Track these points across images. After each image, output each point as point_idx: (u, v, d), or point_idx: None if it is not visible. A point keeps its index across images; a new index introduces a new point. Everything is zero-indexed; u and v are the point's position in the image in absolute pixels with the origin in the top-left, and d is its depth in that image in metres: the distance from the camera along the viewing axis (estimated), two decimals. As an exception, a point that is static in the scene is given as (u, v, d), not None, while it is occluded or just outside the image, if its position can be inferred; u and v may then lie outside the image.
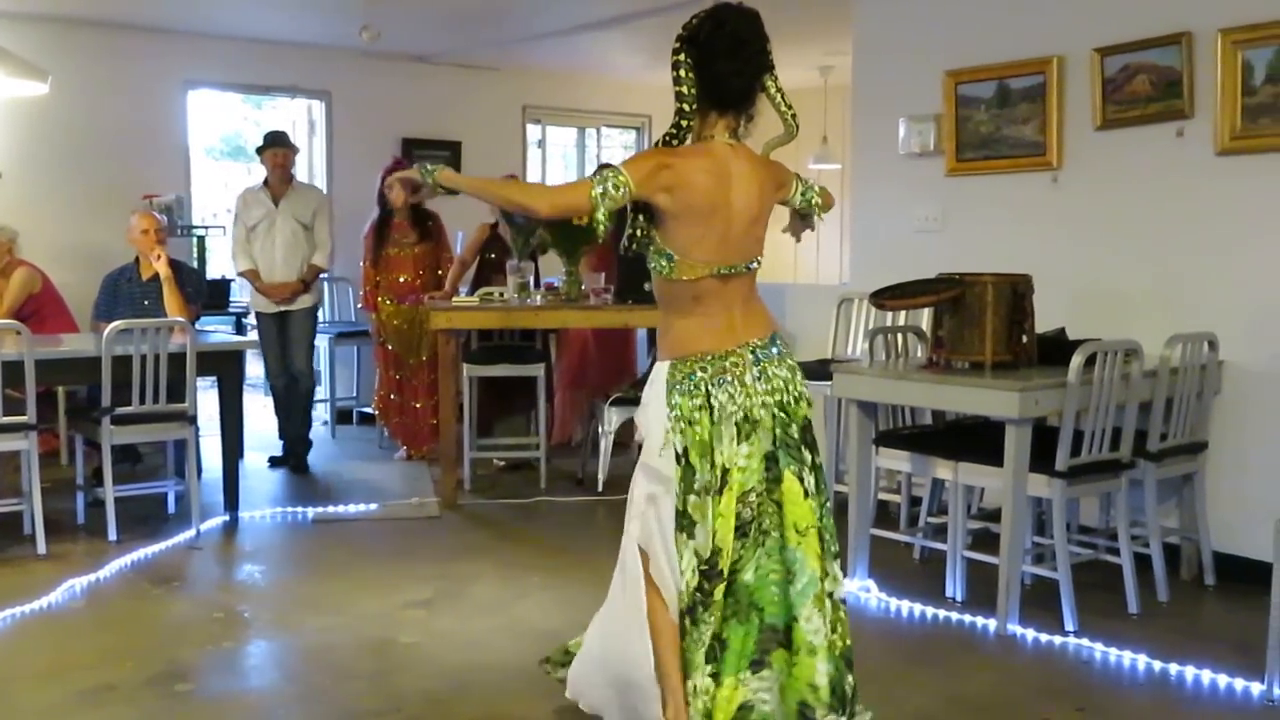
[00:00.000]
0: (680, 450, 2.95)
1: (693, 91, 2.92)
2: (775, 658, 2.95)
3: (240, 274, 7.11)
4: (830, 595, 2.99)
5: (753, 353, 3.01)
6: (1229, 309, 4.73)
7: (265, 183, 6.96)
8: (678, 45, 2.92)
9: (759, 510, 2.96)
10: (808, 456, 3.05)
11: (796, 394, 3.05)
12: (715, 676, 2.90)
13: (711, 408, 2.94)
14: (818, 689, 2.92)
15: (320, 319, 8.45)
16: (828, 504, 3.08)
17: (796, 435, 3.03)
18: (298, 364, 6.94)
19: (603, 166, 2.97)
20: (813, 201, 3.21)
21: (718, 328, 2.99)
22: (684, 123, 2.94)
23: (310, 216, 6.95)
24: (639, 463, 3.09)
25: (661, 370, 3.01)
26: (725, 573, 2.91)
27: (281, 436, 7.08)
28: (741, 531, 2.94)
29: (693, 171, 2.92)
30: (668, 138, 2.95)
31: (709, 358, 2.97)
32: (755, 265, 3.07)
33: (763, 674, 2.93)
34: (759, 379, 2.99)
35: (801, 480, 3.00)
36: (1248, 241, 4.70)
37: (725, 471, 2.93)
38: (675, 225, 2.93)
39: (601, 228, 2.88)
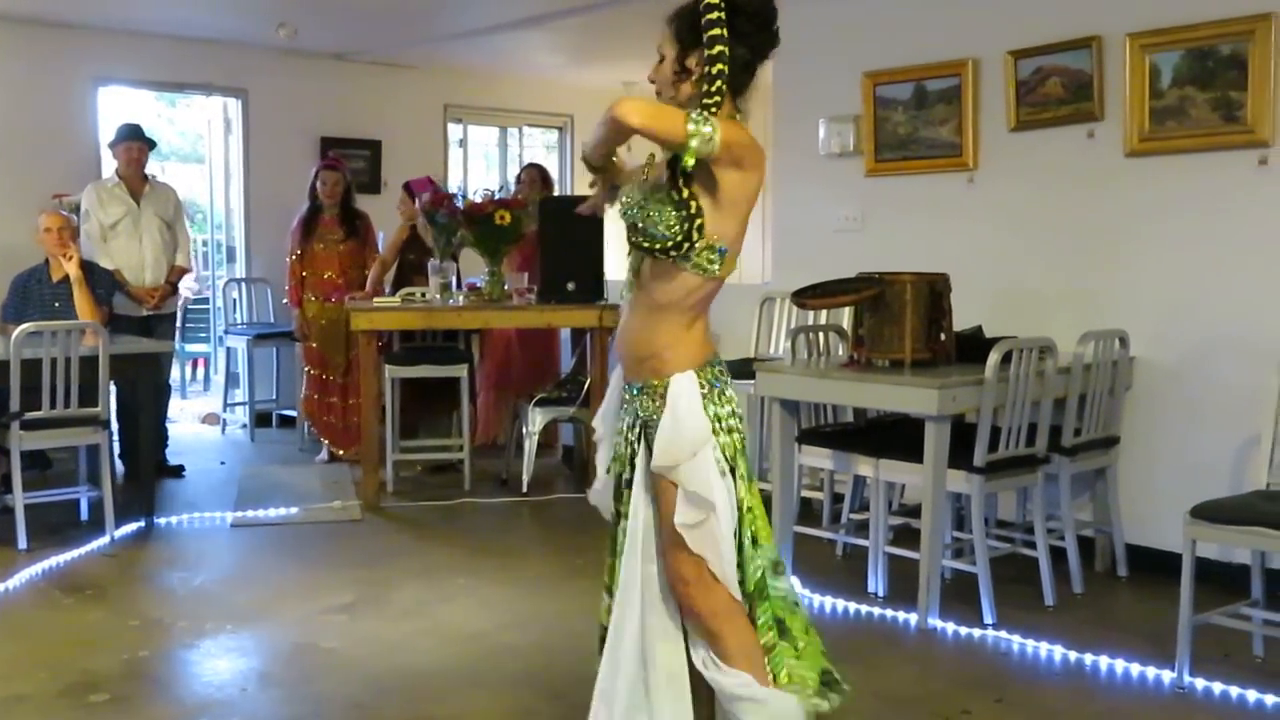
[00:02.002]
0: (729, 462, 2.61)
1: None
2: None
3: None
4: None
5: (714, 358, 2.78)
6: (1139, 306, 4.84)
7: (118, 178, 6.69)
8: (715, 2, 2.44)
9: None
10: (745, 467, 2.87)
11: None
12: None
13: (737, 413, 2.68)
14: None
15: (238, 320, 8.37)
16: None
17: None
18: (164, 371, 6.73)
19: (700, 108, 2.41)
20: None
21: (709, 329, 2.74)
22: (725, 87, 2.46)
23: (172, 214, 6.80)
24: (653, 515, 2.64)
25: (687, 384, 2.58)
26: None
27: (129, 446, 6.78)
28: None
29: (762, 153, 2.57)
30: (712, 105, 2.43)
31: (716, 361, 2.69)
32: None
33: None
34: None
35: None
36: (1156, 241, 4.81)
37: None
38: (732, 212, 2.52)
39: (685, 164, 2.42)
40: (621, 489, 2.69)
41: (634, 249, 2.54)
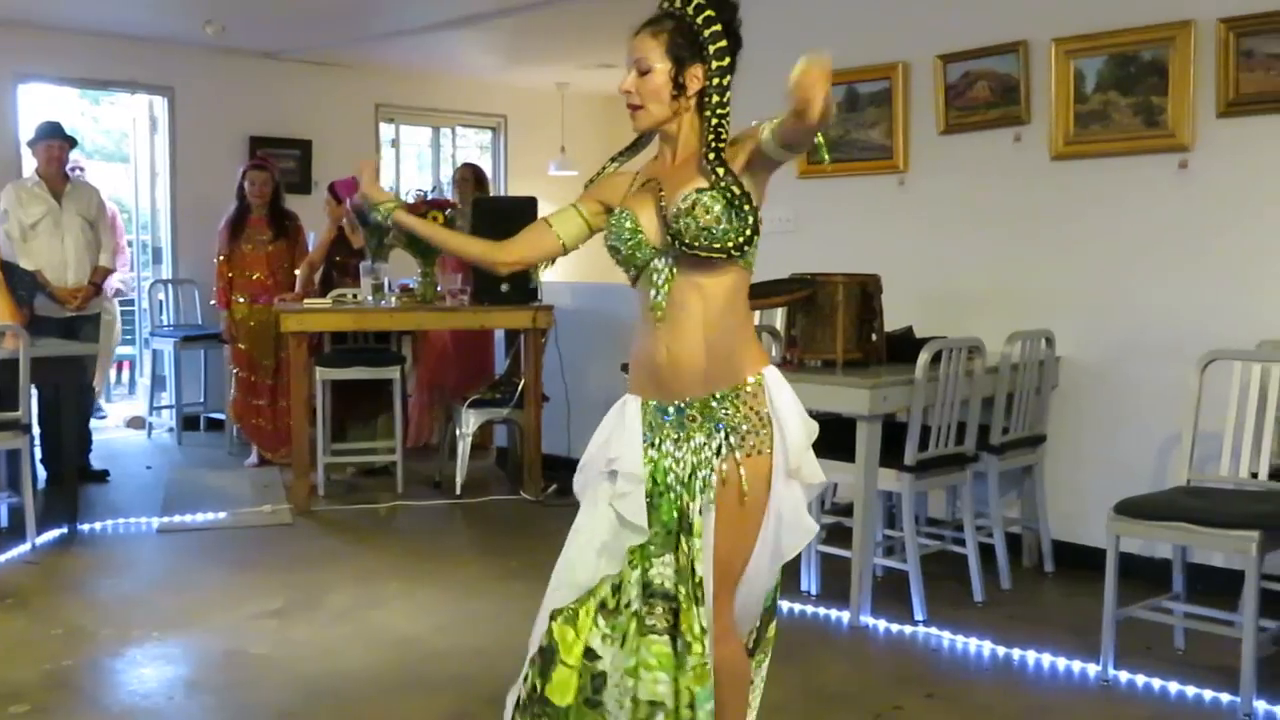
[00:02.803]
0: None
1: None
2: None
3: None
4: None
5: None
6: (1064, 306, 4.93)
7: (39, 177, 6.54)
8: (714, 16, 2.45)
9: None
10: None
11: None
12: None
13: None
14: None
15: (165, 322, 8.24)
16: None
17: None
18: (87, 374, 6.61)
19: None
20: None
21: None
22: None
23: (95, 214, 6.68)
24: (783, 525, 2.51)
25: (779, 375, 2.54)
26: None
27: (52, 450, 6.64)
28: None
29: None
30: (727, 119, 2.44)
31: None
32: None
33: None
34: None
35: None
36: (1081, 241, 4.90)
37: None
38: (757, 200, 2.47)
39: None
40: (683, 517, 2.45)
41: (693, 255, 2.37)
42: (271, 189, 7.13)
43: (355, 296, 6.33)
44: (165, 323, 8.29)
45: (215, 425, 8.25)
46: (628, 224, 2.45)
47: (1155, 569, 4.25)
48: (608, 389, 6.16)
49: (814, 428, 2.57)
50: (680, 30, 2.41)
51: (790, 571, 4.72)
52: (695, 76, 2.42)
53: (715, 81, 2.42)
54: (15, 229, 6.42)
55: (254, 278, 7.05)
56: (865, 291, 4.50)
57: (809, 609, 4.45)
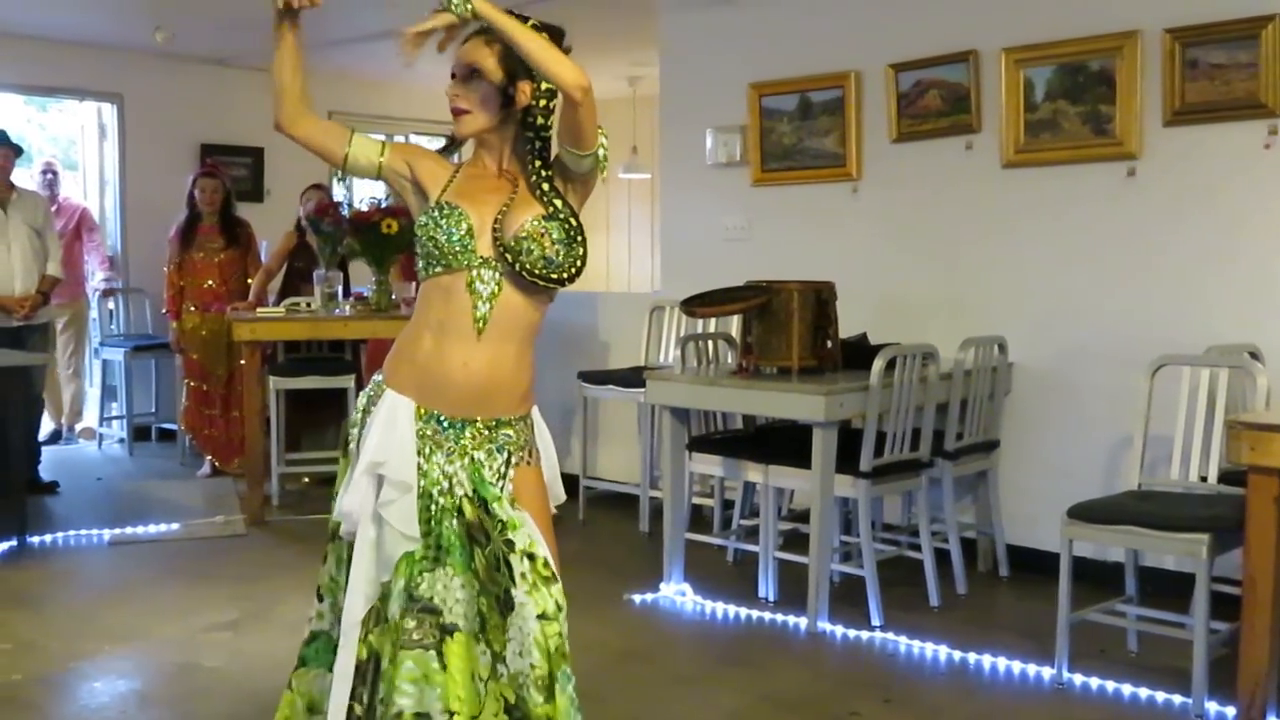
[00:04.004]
0: None
1: None
2: None
3: None
4: None
5: None
6: (1017, 313, 4.97)
7: None
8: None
9: None
10: None
11: None
12: None
13: None
14: None
15: (115, 330, 8.12)
16: None
17: None
18: (36, 385, 6.50)
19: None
20: None
21: None
22: None
23: (41, 223, 6.59)
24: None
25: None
26: None
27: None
28: None
29: None
30: (546, 139, 2.51)
31: None
32: None
33: None
34: None
35: None
36: (1032, 248, 4.94)
37: None
38: None
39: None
40: (450, 519, 2.43)
41: (528, 279, 2.36)
42: (222, 197, 7.05)
43: (309, 305, 6.27)
44: (115, 332, 8.17)
45: (167, 436, 8.15)
46: (464, 226, 2.39)
47: (1108, 572, 4.28)
48: (561, 394, 6.15)
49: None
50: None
51: (748, 578, 4.75)
52: (524, 92, 2.41)
53: (542, 103, 2.43)
54: None
55: (205, 286, 6.97)
56: (820, 299, 4.51)
57: (766, 615, 4.45)
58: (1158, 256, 4.61)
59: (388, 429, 2.42)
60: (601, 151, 2.39)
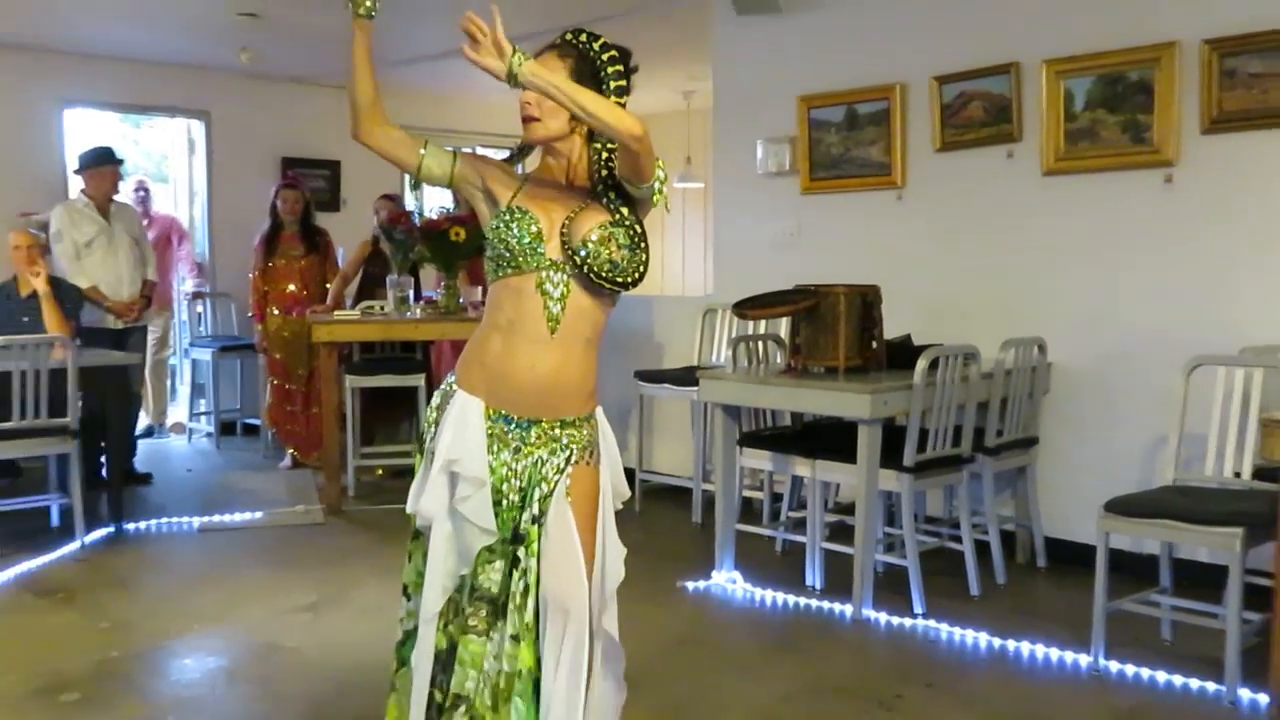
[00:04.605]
0: None
1: None
2: None
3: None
4: None
5: None
6: (1056, 314, 4.92)
7: (85, 198, 6.57)
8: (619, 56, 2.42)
9: None
10: None
11: None
12: None
13: None
14: None
15: (203, 332, 8.28)
16: None
17: None
18: (133, 383, 6.65)
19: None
20: None
21: None
22: None
23: (138, 232, 6.78)
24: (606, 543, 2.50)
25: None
26: None
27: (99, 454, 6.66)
28: None
29: None
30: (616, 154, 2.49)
31: None
32: None
33: None
34: None
35: None
36: (1071, 253, 4.90)
37: None
38: None
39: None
40: (519, 518, 2.44)
41: (594, 281, 2.35)
42: (303, 207, 7.16)
43: (382, 308, 6.35)
44: (204, 333, 8.33)
45: (251, 430, 8.28)
46: (533, 229, 2.37)
47: (1143, 564, 4.24)
48: (619, 393, 6.18)
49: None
50: (584, 61, 2.38)
51: (796, 567, 4.75)
52: None
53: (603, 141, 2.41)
54: (70, 248, 6.47)
55: (287, 291, 7.09)
56: (865, 301, 4.50)
57: (813, 603, 4.45)
58: (1193, 261, 4.55)
59: (459, 428, 2.43)
60: (658, 184, 2.37)
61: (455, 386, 2.49)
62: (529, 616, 2.39)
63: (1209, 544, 3.63)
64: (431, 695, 2.45)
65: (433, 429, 2.50)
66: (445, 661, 2.44)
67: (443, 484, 2.43)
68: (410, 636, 2.55)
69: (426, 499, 2.44)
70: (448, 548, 2.44)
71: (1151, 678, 3.64)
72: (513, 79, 2.15)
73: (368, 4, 2.37)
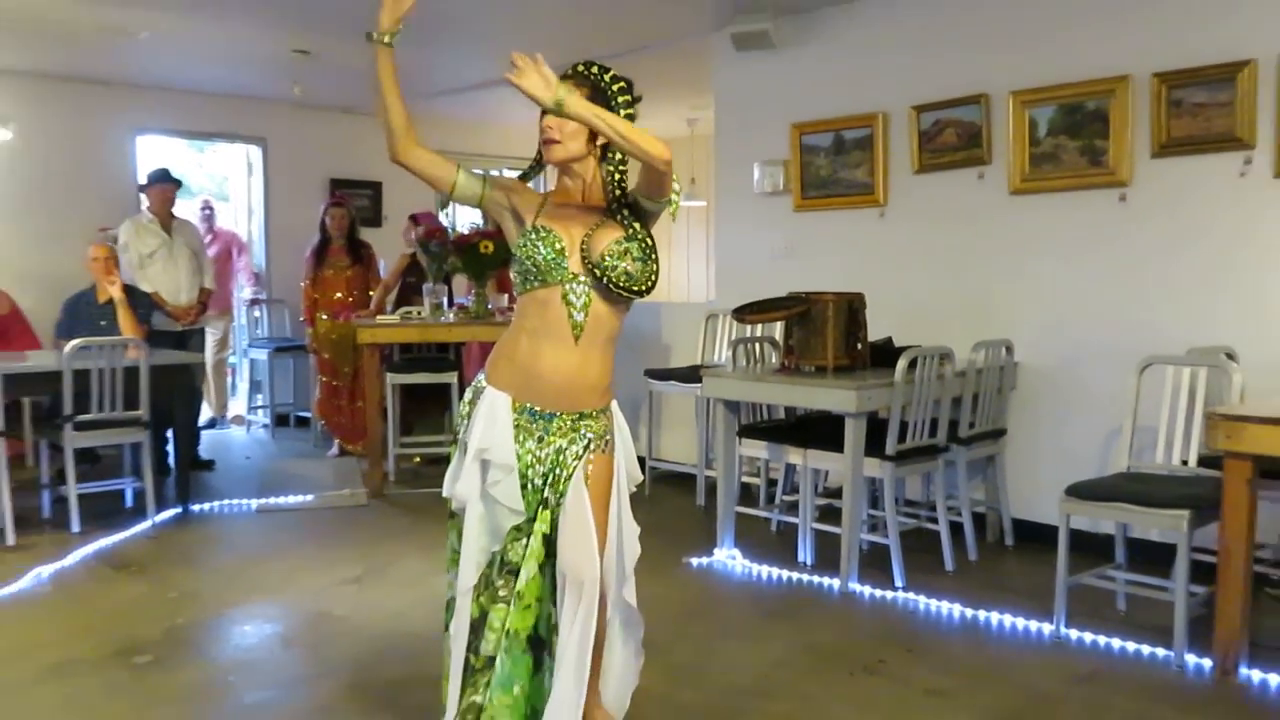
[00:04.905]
0: None
1: None
2: None
3: None
4: None
5: None
6: (1022, 319, 4.91)
7: (149, 214, 6.59)
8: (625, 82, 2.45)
9: None
10: None
11: None
12: None
13: None
14: None
15: (260, 334, 8.30)
16: None
17: None
18: (196, 378, 6.66)
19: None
20: None
21: None
22: None
23: (197, 245, 6.79)
24: (623, 525, 2.53)
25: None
26: None
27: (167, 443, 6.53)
28: None
29: None
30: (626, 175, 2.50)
31: None
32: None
33: None
34: None
35: None
36: (1036, 263, 4.88)
37: None
38: None
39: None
40: (538, 504, 2.46)
41: (613, 291, 2.36)
42: (349, 223, 7.18)
43: (419, 313, 6.37)
44: (261, 336, 8.36)
45: (303, 422, 8.31)
46: (556, 245, 2.38)
47: (1100, 543, 4.23)
48: (631, 389, 6.19)
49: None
50: (596, 91, 2.38)
51: (789, 545, 4.75)
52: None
53: (618, 155, 2.41)
54: (134, 259, 6.48)
55: (335, 298, 7.10)
56: (852, 307, 4.50)
57: (805, 577, 4.45)
58: (1145, 270, 4.54)
59: (490, 421, 2.44)
60: (675, 198, 2.38)
61: (485, 384, 2.50)
62: (521, 585, 2.42)
63: (1159, 525, 3.62)
64: (467, 660, 2.46)
65: (465, 422, 2.51)
66: (478, 629, 2.46)
67: (475, 471, 2.45)
68: (450, 605, 2.56)
69: (461, 484, 2.46)
70: (480, 527, 2.47)
71: (1108, 644, 3.64)
72: (559, 105, 2.18)
73: (389, 33, 2.37)
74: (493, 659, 2.43)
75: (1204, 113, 4.30)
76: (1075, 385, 4.76)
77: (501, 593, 2.45)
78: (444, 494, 2.52)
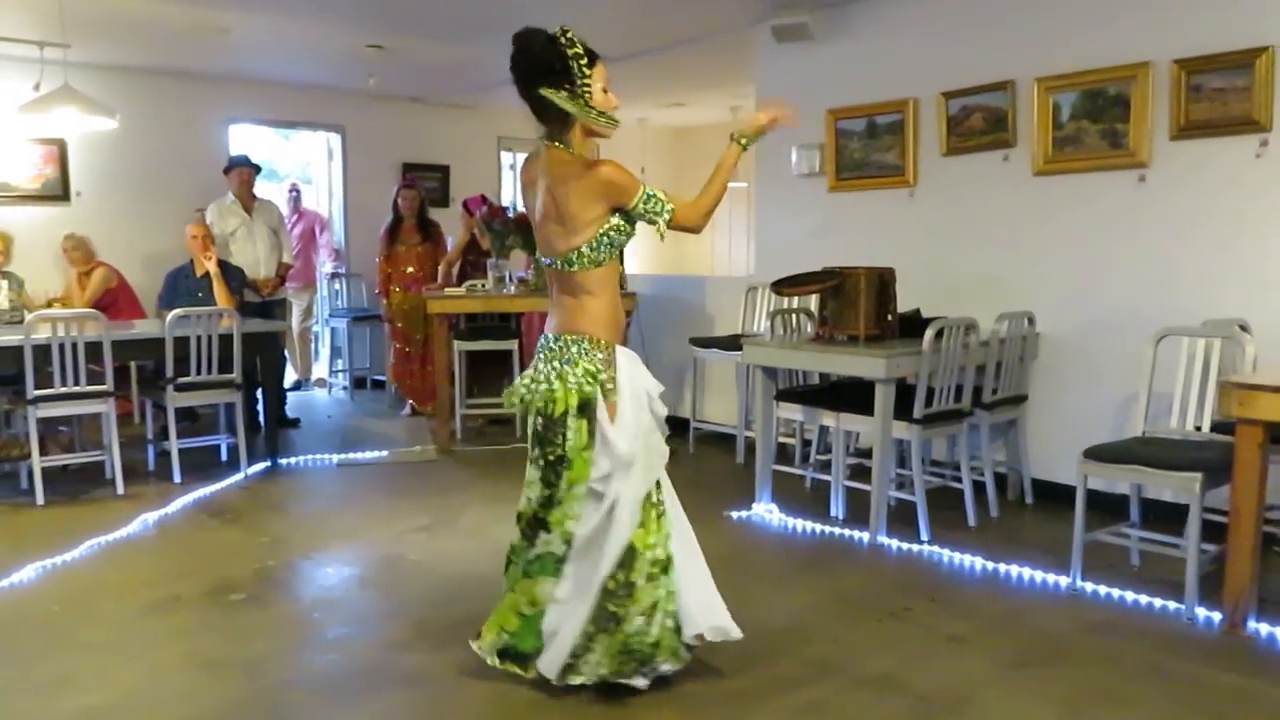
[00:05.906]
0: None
1: None
2: None
3: None
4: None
5: (541, 344, 2.78)
6: (1043, 292, 4.81)
7: (232, 196, 6.65)
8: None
9: None
10: (535, 451, 2.72)
11: (538, 389, 2.70)
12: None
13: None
14: None
15: (340, 305, 8.38)
16: (547, 495, 2.74)
17: (537, 426, 2.71)
18: (281, 345, 6.73)
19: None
20: (654, 219, 2.68)
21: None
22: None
23: (276, 224, 6.82)
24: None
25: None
26: None
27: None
28: None
29: (522, 177, 2.86)
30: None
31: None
32: (557, 264, 2.66)
33: None
34: (534, 367, 2.77)
35: (529, 469, 2.77)
36: (1057, 240, 4.77)
37: None
38: None
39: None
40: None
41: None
42: (419, 203, 7.20)
43: (483, 286, 6.38)
44: (341, 306, 8.44)
45: (378, 385, 8.40)
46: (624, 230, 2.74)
47: (1116, 502, 4.15)
48: (677, 355, 6.16)
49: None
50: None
51: (822, 501, 4.72)
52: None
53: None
54: (218, 237, 6.55)
55: (407, 272, 7.14)
56: (882, 280, 4.43)
57: (836, 530, 4.42)
58: (1162, 247, 4.41)
59: (635, 370, 2.74)
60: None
61: (606, 345, 2.69)
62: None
63: (1173, 486, 3.54)
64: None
65: (600, 385, 2.66)
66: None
67: (635, 413, 2.69)
68: (542, 557, 2.80)
69: (624, 440, 2.65)
70: (647, 460, 2.69)
71: (1121, 597, 3.57)
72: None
73: (748, 139, 2.96)
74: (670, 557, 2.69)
75: (1222, 97, 4.15)
76: (1094, 355, 4.66)
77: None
78: (625, 450, 2.65)
